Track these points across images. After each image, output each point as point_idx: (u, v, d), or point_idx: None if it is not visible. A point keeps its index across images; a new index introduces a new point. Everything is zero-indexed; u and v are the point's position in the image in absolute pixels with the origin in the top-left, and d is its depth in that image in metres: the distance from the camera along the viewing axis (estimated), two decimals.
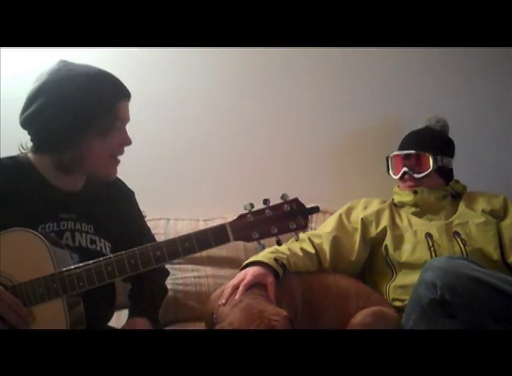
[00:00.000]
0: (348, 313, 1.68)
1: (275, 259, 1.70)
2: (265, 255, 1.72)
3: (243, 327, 1.36)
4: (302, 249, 1.84)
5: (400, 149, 2.10)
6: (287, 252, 1.78)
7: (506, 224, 1.91)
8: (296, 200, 1.25)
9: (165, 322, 1.92)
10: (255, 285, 1.60)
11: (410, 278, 1.78)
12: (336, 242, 1.90)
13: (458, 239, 1.87)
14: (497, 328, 1.45)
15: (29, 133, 1.42)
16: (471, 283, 1.48)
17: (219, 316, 1.53)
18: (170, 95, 2.32)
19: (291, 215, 1.23)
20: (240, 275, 1.65)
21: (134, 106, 2.11)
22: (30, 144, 1.45)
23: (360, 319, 1.64)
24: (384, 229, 1.94)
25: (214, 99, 2.36)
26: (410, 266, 1.85)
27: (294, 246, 1.84)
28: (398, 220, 1.99)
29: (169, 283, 1.97)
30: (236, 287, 1.59)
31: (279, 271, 1.68)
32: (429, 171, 2.01)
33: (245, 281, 1.59)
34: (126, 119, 1.47)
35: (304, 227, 1.24)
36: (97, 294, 1.36)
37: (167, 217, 2.16)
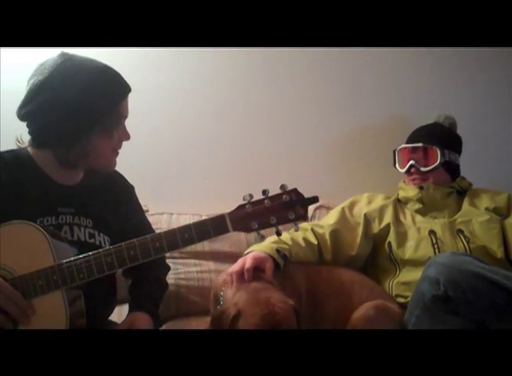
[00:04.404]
0: (351, 303, 1.69)
1: (277, 250, 1.70)
2: (267, 245, 1.72)
3: (246, 310, 1.39)
4: (305, 239, 1.84)
5: (408, 142, 2.09)
6: (289, 242, 1.78)
7: (510, 222, 1.90)
8: (295, 191, 1.24)
9: (167, 316, 1.92)
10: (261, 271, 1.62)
11: (414, 275, 1.77)
12: (336, 235, 1.90)
13: (461, 236, 1.86)
14: (499, 325, 1.44)
15: (28, 126, 1.42)
16: (475, 280, 1.47)
17: (225, 299, 1.54)
18: (173, 91, 2.32)
19: (290, 205, 1.23)
20: (240, 261, 1.66)
21: (137, 102, 2.11)
22: (27, 137, 1.45)
23: (363, 312, 1.64)
24: (388, 226, 1.94)
25: (218, 95, 2.36)
26: (414, 263, 1.84)
27: (297, 235, 1.84)
28: (401, 217, 1.98)
29: (171, 277, 1.98)
30: (239, 274, 1.60)
31: (280, 262, 1.69)
32: (436, 164, 1.99)
33: (246, 266, 1.60)
34: (127, 115, 1.48)
35: (303, 217, 1.24)
36: (98, 289, 1.36)
37: (169, 211, 2.16)
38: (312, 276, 1.74)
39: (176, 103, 2.32)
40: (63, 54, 1.40)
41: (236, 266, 1.64)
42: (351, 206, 2.03)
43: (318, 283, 1.73)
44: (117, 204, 1.56)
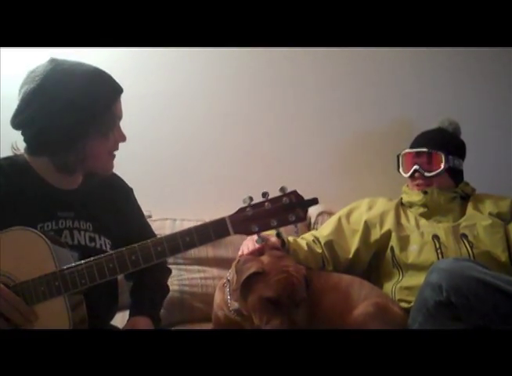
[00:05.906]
0: (349, 300, 1.70)
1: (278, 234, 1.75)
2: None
3: (269, 271, 1.53)
4: (308, 245, 1.86)
5: (412, 147, 2.08)
6: (292, 241, 1.81)
7: None
8: (295, 193, 1.23)
9: (171, 323, 1.91)
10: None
11: (417, 279, 1.77)
12: (331, 246, 1.91)
13: (465, 241, 1.85)
14: None
15: (23, 134, 1.42)
16: (477, 285, 1.47)
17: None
18: (176, 95, 2.33)
19: (290, 208, 1.22)
20: (244, 246, 1.71)
21: (140, 107, 2.13)
22: (22, 144, 1.45)
23: (363, 309, 1.65)
24: (388, 232, 1.93)
25: (221, 99, 2.37)
26: (417, 268, 1.84)
27: (300, 240, 1.87)
28: (404, 220, 1.97)
29: (175, 284, 1.99)
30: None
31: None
32: (440, 170, 1.98)
33: (251, 248, 1.64)
34: (121, 116, 1.48)
35: (303, 219, 1.23)
36: (100, 294, 1.36)
37: (173, 217, 2.16)
38: (309, 270, 1.75)
39: (178, 108, 2.33)
40: (53, 60, 1.40)
41: (244, 249, 1.68)
42: (350, 213, 2.03)
43: (315, 277, 1.74)
44: (116, 206, 1.56)
